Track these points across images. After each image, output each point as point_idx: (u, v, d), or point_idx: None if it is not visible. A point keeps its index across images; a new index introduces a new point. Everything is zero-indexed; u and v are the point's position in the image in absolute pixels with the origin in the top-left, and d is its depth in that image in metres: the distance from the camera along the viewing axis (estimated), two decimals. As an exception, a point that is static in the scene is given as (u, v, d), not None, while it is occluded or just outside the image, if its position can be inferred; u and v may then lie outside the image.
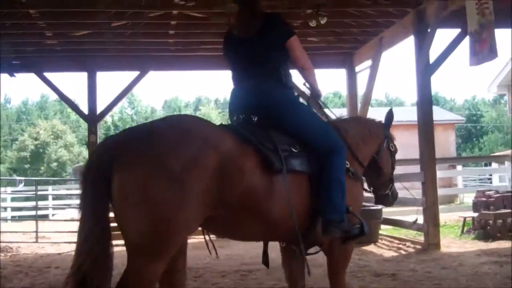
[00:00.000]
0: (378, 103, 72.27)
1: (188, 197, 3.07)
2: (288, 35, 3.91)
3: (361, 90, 13.15)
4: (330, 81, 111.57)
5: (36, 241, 13.12)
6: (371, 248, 9.97)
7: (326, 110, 4.34)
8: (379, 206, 11.15)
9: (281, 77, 3.88)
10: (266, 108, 3.77)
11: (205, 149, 3.17)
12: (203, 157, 3.14)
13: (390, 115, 4.71)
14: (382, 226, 11.38)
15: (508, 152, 21.83)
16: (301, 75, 4.10)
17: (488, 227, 10.43)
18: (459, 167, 21.24)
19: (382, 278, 6.95)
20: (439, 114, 25.03)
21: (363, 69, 13.02)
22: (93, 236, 3.22)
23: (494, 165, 20.33)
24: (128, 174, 3.07)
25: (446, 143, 25.69)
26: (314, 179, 3.68)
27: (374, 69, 12.01)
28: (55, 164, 58.53)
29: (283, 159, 3.47)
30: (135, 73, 12.97)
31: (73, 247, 11.56)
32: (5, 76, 12.69)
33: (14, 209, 25.99)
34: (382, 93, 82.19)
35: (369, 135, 4.38)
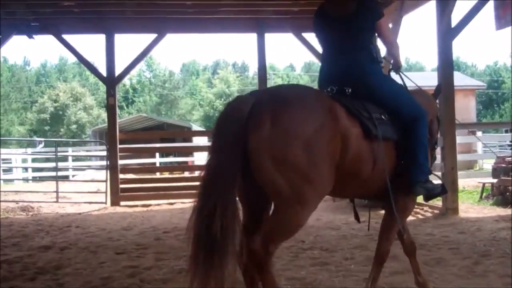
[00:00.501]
0: (398, 68, 71.32)
1: (321, 158, 3.42)
2: (379, 16, 4.27)
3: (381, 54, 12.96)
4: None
5: (57, 201, 13.31)
6: (388, 212, 9.97)
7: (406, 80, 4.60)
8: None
9: (372, 52, 4.21)
10: (359, 81, 4.08)
11: (330, 118, 3.54)
12: (329, 124, 3.50)
13: (439, 89, 5.08)
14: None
15: (529, 118, 21.53)
16: (388, 50, 4.52)
17: (507, 193, 10.39)
18: (479, 133, 21.06)
19: (399, 242, 6.95)
20: (460, 79, 24.71)
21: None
22: (225, 183, 3.35)
23: (515, 131, 20.11)
24: (272, 133, 3.32)
25: (466, 109, 25.41)
26: (399, 144, 4.05)
27: (394, 33, 11.82)
28: (74, 126, 59.00)
29: (378, 127, 3.84)
30: (153, 36, 12.91)
31: (93, 207, 11.77)
32: (23, 38, 12.71)
33: (34, 169, 26.33)
34: (402, 58, 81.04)
35: (428, 105, 4.63)
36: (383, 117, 3.97)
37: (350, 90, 4.03)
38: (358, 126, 3.74)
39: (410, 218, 9.15)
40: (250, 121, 3.34)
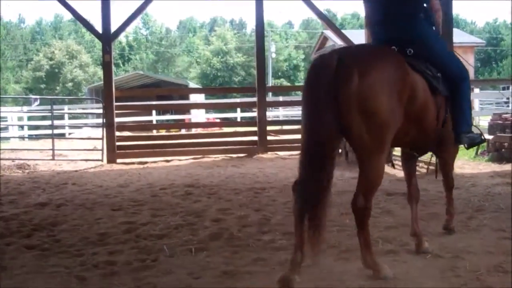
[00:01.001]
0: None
1: (399, 107, 3.84)
2: None
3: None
4: (347, 3, 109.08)
5: (53, 159, 13.30)
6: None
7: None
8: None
9: (428, 16, 4.60)
10: (419, 42, 4.42)
11: (405, 72, 3.95)
12: (405, 78, 3.91)
13: None
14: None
15: (527, 75, 21.45)
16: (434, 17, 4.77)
17: (503, 150, 10.41)
18: (477, 90, 20.97)
19: (394, 197, 7.00)
20: (458, 36, 24.46)
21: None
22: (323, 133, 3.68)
23: (512, 88, 20.04)
24: (360, 87, 3.66)
25: (465, 66, 25.17)
26: (447, 99, 4.48)
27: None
28: (70, 84, 58.72)
29: (439, 83, 4.33)
30: (149, -9, 12.72)
31: (89, 164, 11.78)
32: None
33: (30, 127, 26.27)
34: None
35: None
36: (438, 75, 4.36)
37: (411, 51, 4.33)
38: (423, 82, 4.17)
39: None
40: (339, 77, 3.65)
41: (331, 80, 3.65)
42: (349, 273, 4.01)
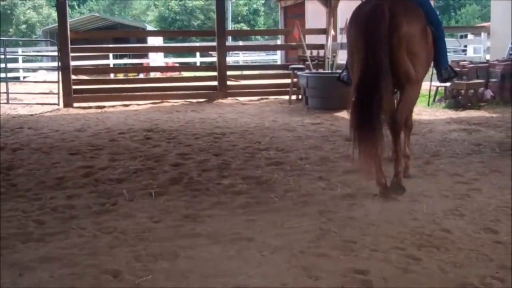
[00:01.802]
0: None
1: (427, 49, 4.93)
2: None
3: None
4: None
5: (7, 103, 12.94)
6: (343, 114, 10.05)
7: None
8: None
9: None
10: None
11: (426, 23, 4.88)
12: (427, 27, 4.88)
13: None
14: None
15: (485, 24, 21.66)
16: None
17: (460, 97, 10.58)
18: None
19: (351, 143, 7.06)
20: (418, -18, 24.36)
21: None
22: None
23: (470, 36, 20.26)
24: (408, 33, 4.60)
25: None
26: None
27: None
28: (24, 26, 56.90)
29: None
30: None
31: (45, 108, 11.51)
32: None
33: (-17, 70, 25.46)
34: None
35: None
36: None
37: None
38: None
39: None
40: (393, 26, 4.51)
41: (386, 27, 4.47)
42: (308, 216, 4.07)
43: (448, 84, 11.06)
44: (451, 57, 19.37)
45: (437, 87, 11.31)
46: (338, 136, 7.59)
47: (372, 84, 4.44)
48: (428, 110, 10.40)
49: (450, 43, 25.74)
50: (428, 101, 11.15)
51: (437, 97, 11.31)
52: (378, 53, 4.45)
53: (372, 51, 4.47)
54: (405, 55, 4.61)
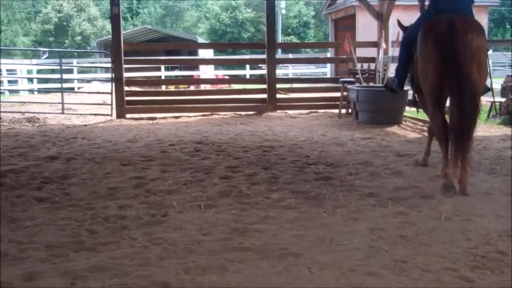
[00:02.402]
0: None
1: None
2: None
3: None
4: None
5: (62, 113, 13.32)
6: (394, 129, 9.96)
7: None
8: (406, 87, 11.00)
9: None
10: (468, 14, 5.64)
11: None
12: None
13: None
14: (407, 108, 11.27)
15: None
16: None
17: (515, 113, 10.31)
18: (490, 51, 20.66)
19: (404, 158, 6.97)
20: (472, -5, 23.92)
21: None
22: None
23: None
24: (477, 49, 5.07)
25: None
26: None
27: None
28: (79, 37, 58.34)
29: None
30: None
31: (98, 119, 11.79)
32: None
33: (40, 81, 26.25)
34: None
35: None
36: None
37: None
38: None
39: (415, 135, 9.17)
40: (465, 41, 4.99)
41: (459, 42, 4.97)
42: (358, 233, 4.02)
43: (503, 99, 10.82)
44: (506, 71, 18.95)
45: (492, 102, 11.07)
46: (389, 151, 7.50)
47: (468, 95, 4.96)
48: (482, 126, 10.15)
49: (498, 57, 25.20)
50: (484, 117, 10.91)
51: (492, 113, 11.05)
52: (463, 66, 4.95)
53: (458, 64, 4.96)
54: (475, 68, 5.03)
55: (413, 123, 10.76)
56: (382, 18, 12.68)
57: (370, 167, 6.41)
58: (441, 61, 5.06)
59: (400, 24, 7.27)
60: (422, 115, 10.99)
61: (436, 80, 5.19)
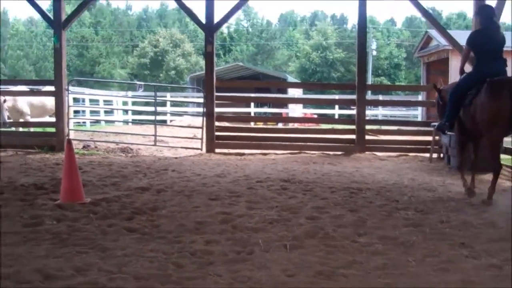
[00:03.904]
0: (506, 27, 67.67)
1: None
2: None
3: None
4: (453, 1, 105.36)
5: (155, 144, 13.73)
6: (487, 176, 9.56)
7: None
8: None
9: None
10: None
11: None
12: None
13: None
14: (502, 156, 10.82)
15: None
16: None
17: None
18: None
19: (497, 207, 6.67)
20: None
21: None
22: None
23: None
24: None
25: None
26: None
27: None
28: (173, 72, 60.37)
29: None
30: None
31: (189, 152, 12.02)
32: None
33: (134, 112, 27.24)
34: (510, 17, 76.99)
35: None
36: None
37: None
38: None
39: (511, 184, 8.77)
40: None
41: None
42: (448, 284, 3.85)
43: None
44: None
45: None
46: (482, 200, 7.20)
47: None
48: None
49: None
50: None
51: None
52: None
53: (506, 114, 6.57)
54: None
55: (508, 171, 10.32)
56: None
57: (462, 215, 6.18)
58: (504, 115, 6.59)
59: (435, 87, 9.01)
60: (518, 163, 10.54)
61: (506, 127, 6.75)
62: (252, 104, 28.19)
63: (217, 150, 12.79)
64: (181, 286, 3.77)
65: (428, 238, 5.12)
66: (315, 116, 28.55)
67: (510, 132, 6.97)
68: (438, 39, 26.94)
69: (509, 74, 7.40)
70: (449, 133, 8.23)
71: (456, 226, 5.64)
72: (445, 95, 8.33)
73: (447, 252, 4.64)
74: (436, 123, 9.04)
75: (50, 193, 7.08)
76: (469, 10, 74.96)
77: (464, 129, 7.66)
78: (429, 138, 12.12)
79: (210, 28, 12.91)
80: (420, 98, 27.17)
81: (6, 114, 13.39)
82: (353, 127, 13.08)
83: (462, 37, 19.17)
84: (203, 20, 12.95)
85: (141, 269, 4.09)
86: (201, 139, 13.23)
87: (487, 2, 11.32)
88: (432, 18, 13.65)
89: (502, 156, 10.78)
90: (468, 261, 4.43)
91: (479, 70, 7.24)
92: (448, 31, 15.32)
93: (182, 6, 13.39)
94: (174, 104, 28.11)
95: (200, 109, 14.30)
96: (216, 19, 12.94)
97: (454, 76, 24.12)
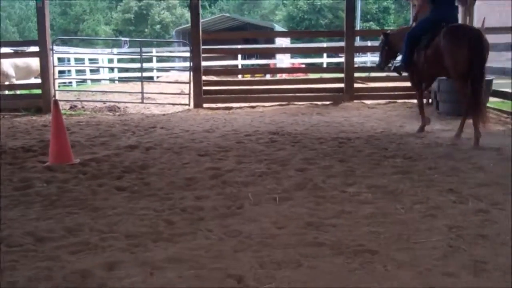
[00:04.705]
0: None
1: None
2: None
3: None
4: None
5: (142, 102, 13.66)
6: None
7: None
8: (490, 77, 10.59)
9: None
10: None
11: None
12: None
13: None
14: (491, 99, 10.86)
15: None
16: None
17: None
18: None
19: (485, 152, 6.73)
20: None
21: None
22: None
23: None
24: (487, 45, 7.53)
25: None
26: None
27: None
28: (158, 26, 59.61)
29: None
30: None
31: (176, 108, 12.00)
32: None
33: (120, 70, 26.99)
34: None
35: None
36: None
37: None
38: None
39: (499, 127, 8.83)
40: (483, 40, 7.43)
41: (481, 40, 7.39)
42: (436, 230, 3.91)
43: None
44: None
45: None
46: (470, 144, 7.26)
47: (482, 79, 7.47)
48: None
49: None
50: None
51: None
52: (484, 61, 7.43)
53: (482, 59, 7.38)
54: (486, 58, 7.48)
55: (497, 114, 10.37)
56: (467, 3, 12.25)
57: (450, 161, 6.23)
58: (471, 55, 7.33)
59: (383, 32, 9.61)
60: (507, 106, 10.58)
61: (467, 67, 7.37)
62: (239, 56, 27.96)
63: (205, 105, 12.74)
64: (172, 242, 3.80)
65: (416, 185, 5.16)
66: (303, 65, 28.38)
67: (470, 75, 7.41)
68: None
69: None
70: (404, 73, 9.03)
71: (444, 172, 5.69)
72: (392, 39, 9.10)
73: (435, 199, 4.69)
74: (393, 65, 9.31)
75: (39, 156, 7.06)
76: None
77: (417, 71, 8.40)
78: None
79: (195, -22, 12.67)
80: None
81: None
82: (342, 75, 13.02)
83: None
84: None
85: (132, 227, 4.11)
86: (189, 94, 13.16)
87: None
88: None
89: (491, 99, 10.85)
90: (455, 207, 4.48)
91: (435, 14, 8.05)
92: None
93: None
94: (161, 59, 27.85)
95: (187, 64, 14.16)
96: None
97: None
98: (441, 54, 7.68)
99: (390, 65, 9.46)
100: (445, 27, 7.75)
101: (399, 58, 9.05)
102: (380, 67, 9.73)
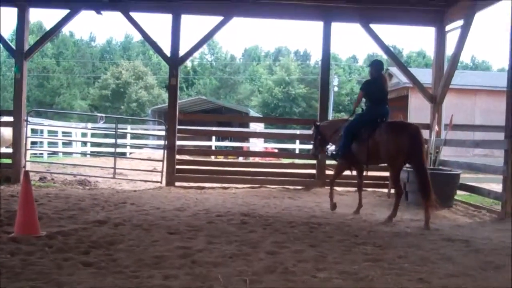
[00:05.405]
0: (463, 66, 69.66)
1: None
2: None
3: (449, 51, 12.63)
4: (413, 39, 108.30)
5: (113, 177, 13.56)
6: (444, 212, 9.74)
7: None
8: (458, 171, 10.83)
9: None
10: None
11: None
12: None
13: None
14: (458, 192, 11.06)
15: None
16: None
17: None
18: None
19: (454, 243, 6.78)
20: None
21: (453, 28, 12.45)
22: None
23: None
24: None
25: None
26: None
27: (465, 29, 11.49)
28: (134, 104, 60.11)
29: None
30: (219, 18, 12.90)
31: (148, 185, 11.90)
32: (91, 13, 12.93)
33: (93, 144, 26.92)
34: (468, 56, 79.33)
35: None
36: None
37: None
38: None
39: (466, 220, 8.93)
40: (420, 135, 8.52)
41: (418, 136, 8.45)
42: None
43: None
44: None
45: None
46: (439, 235, 7.31)
47: (423, 166, 8.40)
48: None
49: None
50: None
51: None
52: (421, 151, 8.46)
53: (421, 152, 8.41)
54: (423, 151, 8.60)
55: (464, 207, 10.52)
56: (435, 101, 12.66)
57: (419, 250, 6.25)
58: (410, 148, 8.32)
59: (314, 123, 10.69)
60: (474, 199, 10.75)
61: (405, 159, 8.49)
62: (214, 137, 28.18)
63: (177, 184, 12.70)
64: (137, 322, 3.70)
65: (386, 273, 5.15)
66: (276, 150, 28.67)
67: (406, 163, 8.76)
68: (399, 77, 27.56)
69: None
70: (338, 160, 9.77)
71: (414, 262, 5.69)
72: (322, 130, 10.22)
73: (405, 286, 4.66)
74: (330, 152, 9.83)
75: (5, 226, 6.89)
76: (429, 49, 76.93)
77: (351, 157, 9.37)
78: (388, 174, 12.25)
79: (175, 61, 12.91)
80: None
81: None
82: (314, 162, 13.16)
83: (422, 74, 19.68)
84: (168, 54, 12.96)
85: (97, 305, 4.00)
86: (161, 172, 13.13)
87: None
88: (393, 55, 13.91)
89: (459, 192, 11.05)
90: (425, 297, 4.46)
91: (371, 111, 9.10)
92: (409, 68, 15.69)
93: (148, 39, 13.19)
94: (135, 136, 27.92)
95: (161, 142, 14.24)
96: (182, 52, 12.97)
97: (413, 113, 24.66)
98: (381, 145, 8.64)
99: (326, 153, 10.54)
100: (382, 122, 8.86)
101: (331, 147, 10.25)
102: (314, 155, 10.92)
